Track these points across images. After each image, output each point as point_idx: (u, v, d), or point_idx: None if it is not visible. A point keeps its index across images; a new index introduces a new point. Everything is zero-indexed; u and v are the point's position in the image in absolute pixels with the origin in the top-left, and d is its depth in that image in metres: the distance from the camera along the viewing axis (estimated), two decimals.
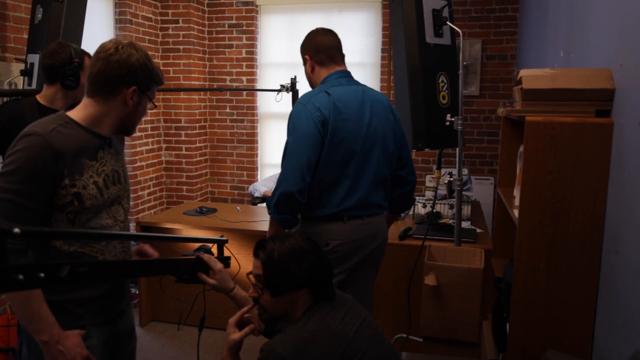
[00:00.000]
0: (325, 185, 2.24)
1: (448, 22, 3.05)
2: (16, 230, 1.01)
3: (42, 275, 1.06)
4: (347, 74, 2.37)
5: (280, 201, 2.17)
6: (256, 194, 4.72)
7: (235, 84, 5.68)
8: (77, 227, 1.61)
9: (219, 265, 1.89)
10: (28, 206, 1.50)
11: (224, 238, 2.06)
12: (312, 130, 2.16)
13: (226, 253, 2.04)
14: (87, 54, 2.53)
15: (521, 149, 2.14)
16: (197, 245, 2.02)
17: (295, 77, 4.05)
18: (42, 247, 1.60)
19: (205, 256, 1.88)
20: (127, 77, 1.60)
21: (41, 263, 1.09)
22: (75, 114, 1.63)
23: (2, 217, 1.48)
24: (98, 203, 1.63)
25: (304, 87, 4.28)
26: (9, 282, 1.01)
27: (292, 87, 4.03)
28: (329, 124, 2.18)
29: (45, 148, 1.51)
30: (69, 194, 1.56)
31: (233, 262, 2.05)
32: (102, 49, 1.61)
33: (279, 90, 4.07)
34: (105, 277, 1.55)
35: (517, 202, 2.13)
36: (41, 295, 1.53)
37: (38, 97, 2.49)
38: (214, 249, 2.01)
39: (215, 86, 5.71)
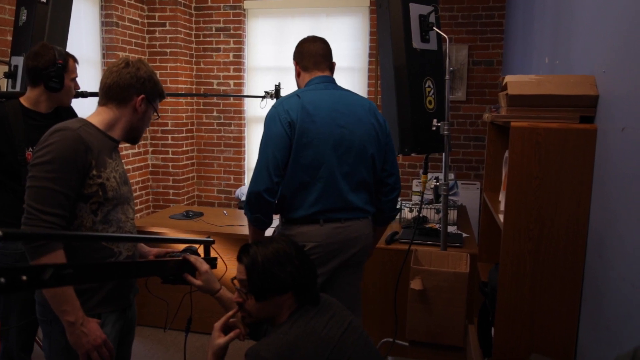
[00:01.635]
0: (297, 186, 2.26)
1: (435, 28, 3.07)
2: None
3: (24, 278, 1.08)
4: (327, 80, 2.40)
5: (250, 201, 2.23)
6: (243, 198, 4.69)
7: (222, 88, 5.66)
8: (98, 218, 1.77)
9: (205, 266, 1.90)
10: (65, 193, 1.66)
11: (211, 239, 2.05)
12: (280, 131, 2.22)
13: (213, 254, 2.04)
14: (72, 57, 2.50)
15: (506, 154, 2.15)
16: (184, 246, 2.01)
17: (279, 83, 4.05)
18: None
19: (192, 257, 1.89)
20: (137, 87, 1.84)
21: (24, 266, 1.10)
22: (91, 119, 1.82)
23: (44, 204, 1.63)
24: (117, 195, 1.81)
25: (283, 84, 4.28)
26: None
27: (276, 94, 4.02)
28: (296, 125, 2.22)
29: (78, 140, 1.68)
30: (95, 184, 1.73)
31: (220, 263, 2.05)
32: (114, 64, 1.85)
33: (262, 97, 4.07)
34: (89, 280, 1.62)
35: (502, 206, 2.14)
36: None
37: (22, 99, 2.46)
38: (201, 250, 2.01)
39: (202, 90, 5.69)
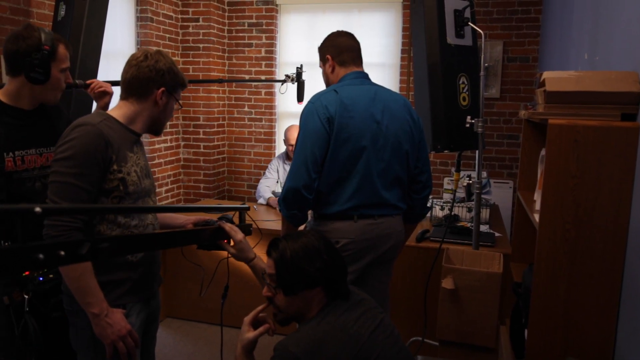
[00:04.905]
0: (334, 182, 2.25)
1: (470, 23, 3.02)
2: (37, 209, 1.04)
3: (62, 253, 1.09)
4: (363, 75, 2.39)
5: (287, 197, 2.22)
6: (260, 200, 4.55)
7: (254, 83, 5.69)
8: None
9: (239, 235, 1.91)
10: (87, 189, 1.68)
11: (246, 205, 2.05)
12: (318, 127, 2.20)
13: (248, 221, 2.05)
14: (63, 42, 2.03)
15: (543, 152, 2.10)
16: (219, 215, 2.02)
17: (301, 66, 3.85)
18: (88, 231, 1.74)
19: (227, 226, 1.90)
20: (157, 80, 1.81)
21: (61, 241, 1.12)
22: (112, 112, 1.83)
23: (65, 199, 1.65)
24: (138, 190, 1.81)
25: (313, 80, 4.21)
26: (29, 261, 1.03)
27: (297, 78, 3.86)
28: (335, 121, 2.20)
29: (98, 135, 1.69)
30: (116, 179, 1.74)
31: (255, 230, 2.05)
32: (133, 57, 1.82)
33: (283, 81, 3.88)
34: (126, 252, 1.65)
35: (537, 206, 2.09)
36: (93, 273, 1.69)
37: None
38: (236, 219, 2.02)
39: (234, 85, 5.73)
